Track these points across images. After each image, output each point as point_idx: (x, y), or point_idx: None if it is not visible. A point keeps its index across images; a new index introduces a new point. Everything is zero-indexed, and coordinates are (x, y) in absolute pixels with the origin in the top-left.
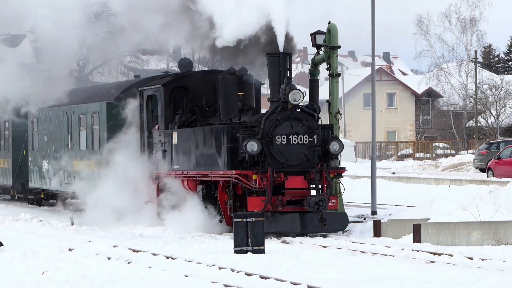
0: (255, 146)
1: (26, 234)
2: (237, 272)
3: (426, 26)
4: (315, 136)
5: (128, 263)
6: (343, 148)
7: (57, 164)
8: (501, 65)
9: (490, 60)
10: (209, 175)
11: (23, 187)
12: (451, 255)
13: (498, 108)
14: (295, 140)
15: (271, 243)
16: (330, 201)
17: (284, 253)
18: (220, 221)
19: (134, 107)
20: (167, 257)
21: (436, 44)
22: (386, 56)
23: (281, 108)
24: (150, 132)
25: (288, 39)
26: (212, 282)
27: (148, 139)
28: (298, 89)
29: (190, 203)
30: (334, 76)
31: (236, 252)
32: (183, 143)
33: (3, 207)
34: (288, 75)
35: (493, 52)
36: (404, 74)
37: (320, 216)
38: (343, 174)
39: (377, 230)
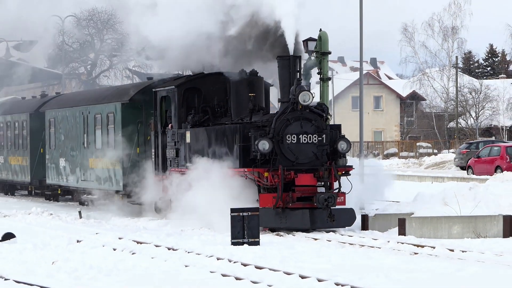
0: (267, 145)
1: (37, 227)
2: (234, 262)
3: (411, 34)
4: (324, 136)
5: (132, 254)
6: (350, 147)
7: (74, 162)
8: (480, 70)
9: (470, 66)
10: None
11: (40, 183)
12: (434, 247)
13: (477, 110)
14: (304, 139)
15: (265, 236)
16: (338, 197)
17: (278, 245)
18: None
19: (149, 107)
20: (169, 249)
21: (420, 51)
22: (373, 62)
23: (291, 108)
24: (163, 131)
25: (298, 42)
26: (211, 272)
27: (161, 138)
28: (307, 91)
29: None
30: (324, 80)
31: (233, 244)
32: (196, 141)
33: (17, 202)
34: (298, 77)
35: (473, 58)
36: (390, 78)
37: (329, 212)
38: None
39: (365, 224)
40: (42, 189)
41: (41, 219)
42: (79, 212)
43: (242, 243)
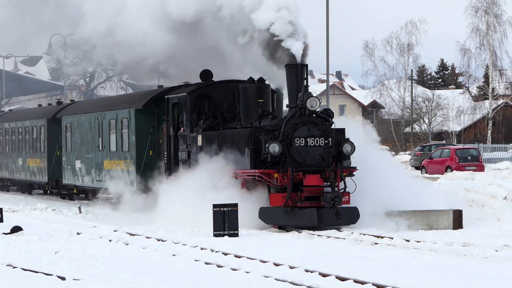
0: (277, 147)
1: (41, 221)
2: (216, 252)
3: (371, 50)
4: (330, 139)
5: (126, 244)
6: (355, 149)
7: (89, 164)
8: (432, 81)
9: (423, 78)
10: (233, 173)
11: (56, 183)
12: (392, 238)
13: (430, 117)
14: (312, 142)
15: (244, 229)
16: (344, 197)
17: (254, 237)
18: None
19: (161, 113)
20: (158, 240)
21: (380, 65)
22: (339, 74)
23: (299, 113)
24: (175, 135)
25: (305, 51)
26: (195, 260)
27: (173, 141)
28: (315, 97)
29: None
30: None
31: (215, 235)
32: (207, 145)
33: (34, 199)
34: (305, 84)
35: (426, 71)
36: (353, 89)
37: (335, 210)
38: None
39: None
40: (58, 188)
41: (45, 214)
42: (79, 207)
43: (223, 235)
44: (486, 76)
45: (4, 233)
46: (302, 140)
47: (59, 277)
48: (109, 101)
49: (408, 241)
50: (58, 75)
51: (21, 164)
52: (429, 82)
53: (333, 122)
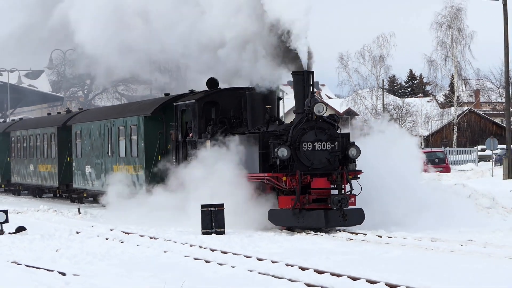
0: (285, 152)
1: (44, 221)
2: (204, 248)
3: (346, 62)
4: (336, 143)
5: (121, 242)
6: (360, 153)
7: (99, 169)
8: (402, 90)
9: (394, 87)
10: (242, 177)
11: (67, 187)
12: (365, 234)
13: (400, 123)
14: (319, 147)
15: (229, 226)
16: (350, 199)
17: (239, 234)
18: None
19: (168, 119)
20: (151, 238)
21: (354, 75)
22: (316, 84)
23: (306, 118)
24: (184, 140)
25: (311, 59)
26: (185, 256)
27: (182, 147)
28: (321, 102)
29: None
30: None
31: (203, 233)
32: (215, 150)
33: (45, 202)
34: (311, 90)
35: (396, 81)
36: (329, 98)
37: (342, 212)
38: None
39: None
40: (68, 192)
41: (47, 215)
42: (78, 209)
43: (211, 233)
44: (451, 85)
45: (9, 233)
46: (309, 145)
47: (60, 272)
48: (118, 109)
49: (381, 236)
50: (58, 87)
51: (32, 169)
52: (399, 91)
53: (339, 127)
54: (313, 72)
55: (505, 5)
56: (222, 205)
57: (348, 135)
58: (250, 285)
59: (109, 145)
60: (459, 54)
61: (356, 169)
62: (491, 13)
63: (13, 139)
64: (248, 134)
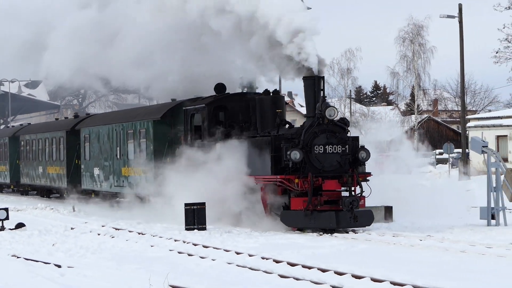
0: (298, 154)
1: (41, 218)
2: (187, 243)
3: None
4: (347, 146)
5: (112, 237)
6: (370, 156)
7: (107, 171)
8: (367, 100)
9: (360, 97)
10: (253, 179)
11: (75, 188)
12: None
13: (366, 129)
14: (330, 150)
15: (210, 223)
16: (360, 201)
17: (219, 230)
18: None
19: (176, 123)
20: (139, 233)
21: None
22: (290, 94)
23: (318, 122)
24: (192, 143)
25: (321, 64)
26: (170, 250)
27: (191, 149)
28: (333, 106)
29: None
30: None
31: (186, 229)
32: (225, 152)
33: (32, 200)
34: (322, 94)
35: (362, 91)
36: (301, 106)
37: (353, 213)
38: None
39: None
40: (76, 193)
41: (44, 212)
42: (73, 207)
43: (193, 229)
44: (412, 95)
45: (10, 229)
46: (321, 148)
47: (55, 265)
48: (126, 114)
49: (347, 232)
50: (55, 96)
51: (41, 171)
52: (365, 100)
53: (349, 131)
54: (323, 77)
55: (461, 22)
56: (203, 204)
57: (357, 138)
58: (229, 277)
59: (118, 148)
60: (420, 67)
61: (366, 171)
62: (449, 30)
63: (22, 142)
64: (259, 137)
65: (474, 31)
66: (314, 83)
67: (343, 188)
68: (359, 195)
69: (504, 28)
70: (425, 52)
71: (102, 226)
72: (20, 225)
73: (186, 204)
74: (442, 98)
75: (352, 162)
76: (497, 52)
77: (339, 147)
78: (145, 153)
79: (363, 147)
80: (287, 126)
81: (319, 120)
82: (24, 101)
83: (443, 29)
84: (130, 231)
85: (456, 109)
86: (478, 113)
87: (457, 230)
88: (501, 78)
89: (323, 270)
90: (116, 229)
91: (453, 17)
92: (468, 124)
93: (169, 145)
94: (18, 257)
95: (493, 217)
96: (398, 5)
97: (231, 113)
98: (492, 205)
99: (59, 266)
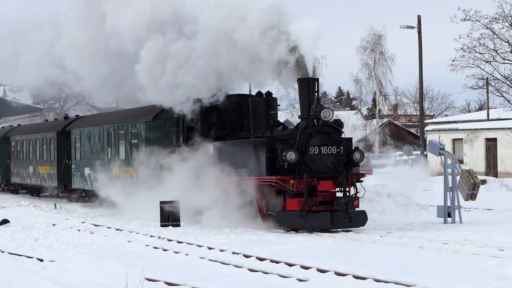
0: (293, 155)
1: (25, 215)
2: (162, 239)
3: None
4: (341, 147)
5: (91, 233)
6: (364, 157)
7: (98, 170)
8: (332, 104)
9: (325, 102)
10: (248, 179)
11: (65, 187)
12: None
13: None
14: (325, 151)
15: (184, 220)
16: (354, 201)
17: (192, 227)
18: None
19: (168, 124)
20: (117, 229)
21: (291, 91)
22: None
23: (313, 123)
24: (185, 144)
25: (315, 66)
26: (146, 245)
27: (184, 150)
28: (328, 108)
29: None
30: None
31: (162, 225)
32: (219, 153)
33: (16, 198)
34: (316, 96)
35: (327, 96)
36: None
37: (347, 214)
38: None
39: None
40: (66, 192)
41: (27, 210)
42: (55, 204)
43: (168, 225)
44: (374, 100)
45: None
46: (316, 149)
47: (38, 259)
48: (116, 115)
49: (313, 230)
50: (38, 100)
51: (31, 171)
52: (330, 105)
53: (343, 132)
54: (318, 79)
55: (419, 32)
56: (177, 202)
57: (350, 139)
58: (201, 271)
59: (109, 148)
60: (381, 74)
61: (359, 172)
62: (408, 39)
63: (13, 143)
64: (254, 138)
65: (432, 41)
66: (308, 85)
67: (337, 189)
68: (354, 195)
69: (460, 38)
70: (385, 60)
71: (82, 222)
72: (4, 222)
73: (161, 202)
74: (402, 103)
75: (346, 163)
76: (453, 61)
77: (334, 148)
78: (137, 153)
79: (357, 148)
80: (280, 127)
81: (314, 121)
82: (8, 104)
83: (403, 38)
84: (108, 227)
85: (415, 113)
86: (436, 118)
87: (415, 227)
88: (457, 85)
89: (290, 265)
90: (95, 225)
91: (412, 27)
92: (426, 128)
93: (160, 146)
94: (2, 252)
95: (449, 215)
96: (360, 16)
97: (223, 114)
98: (449, 204)
99: (41, 260)
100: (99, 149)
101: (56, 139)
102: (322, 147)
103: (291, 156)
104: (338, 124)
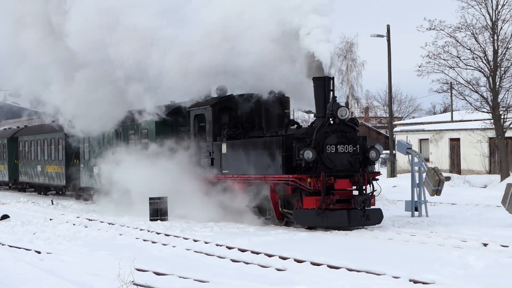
0: (311, 154)
1: (24, 210)
2: (151, 232)
3: None
4: (358, 146)
5: (85, 227)
6: (380, 155)
7: (106, 170)
8: (308, 109)
9: None
10: (262, 178)
11: (73, 186)
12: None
13: None
14: (341, 149)
15: (171, 215)
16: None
17: (179, 221)
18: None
19: (177, 124)
20: (109, 223)
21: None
22: None
23: (329, 122)
24: (197, 143)
25: (331, 66)
26: (136, 238)
27: (195, 149)
28: (345, 106)
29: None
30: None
31: (151, 220)
32: (232, 152)
33: (17, 195)
34: (332, 95)
35: None
36: None
37: (364, 212)
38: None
39: None
40: (74, 190)
41: (26, 205)
42: (51, 200)
43: (157, 219)
44: (347, 104)
45: None
46: (332, 147)
47: (36, 251)
48: (127, 115)
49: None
50: (35, 104)
51: (39, 170)
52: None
53: (359, 130)
54: (333, 77)
55: (389, 41)
56: (165, 198)
57: (365, 138)
58: (187, 261)
59: (118, 148)
60: (353, 79)
61: (375, 170)
62: (378, 47)
63: (21, 143)
64: (269, 137)
65: (400, 48)
66: (324, 84)
67: (354, 187)
68: (370, 194)
69: (426, 45)
70: (357, 66)
71: (77, 217)
72: (5, 217)
73: (150, 199)
74: (373, 106)
75: (362, 162)
76: (420, 67)
77: (350, 147)
78: (147, 152)
79: (373, 146)
80: (295, 126)
81: (330, 120)
82: (8, 108)
83: (373, 46)
84: (101, 222)
85: (385, 116)
86: (404, 120)
87: (385, 220)
88: (423, 89)
89: (269, 255)
90: (89, 220)
91: (382, 36)
92: (395, 129)
93: (172, 145)
94: (3, 245)
95: (416, 209)
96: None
97: (235, 114)
98: (416, 199)
99: (39, 252)
100: (108, 149)
101: (64, 140)
102: (338, 146)
103: (308, 154)
104: (354, 122)
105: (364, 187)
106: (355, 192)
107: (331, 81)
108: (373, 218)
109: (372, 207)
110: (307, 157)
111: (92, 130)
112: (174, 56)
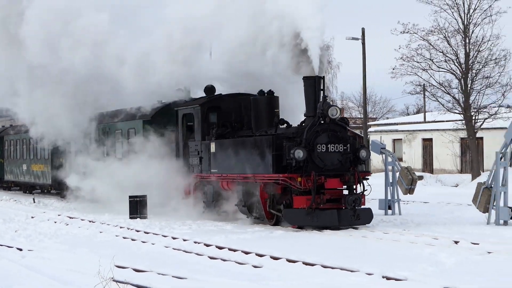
0: (301, 153)
1: (5, 208)
2: (131, 229)
3: None
4: (348, 145)
5: (66, 224)
6: (370, 155)
7: (99, 168)
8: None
9: None
10: (252, 177)
11: (59, 184)
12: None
13: None
14: (332, 148)
15: (151, 213)
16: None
17: (158, 218)
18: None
19: (166, 123)
20: (90, 221)
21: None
22: None
23: (319, 121)
24: (185, 143)
25: (321, 64)
26: (116, 236)
27: (183, 148)
28: (335, 106)
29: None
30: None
31: (130, 218)
32: (221, 151)
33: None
34: (322, 94)
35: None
36: None
37: (355, 212)
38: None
39: None
40: (60, 189)
41: (8, 203)
42: (33, 199)
43: (136, 217)
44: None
45: None
46: (323, 146)
47: (17, 248)
48: (116, 114)
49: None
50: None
51: (25, 169)
52: None
53: (349, 129)
54: (323, 76)
55: (363, 43)
56: (145, 196)
57: (355, 137)
58: (166, 258)
59: (105, 147)
60: (328, 81)
61: (366, 170)
62: (353, 50)
63: (6, 142)
64: (259, 136)
65: (374, 51)
66: (314, 83)
67: (344, 187)
68: (361, 193)
69: (399, 48)
70: (332, 68)
71: (58, 215)
72: None
73: (130, 197)
74: (348, 107)
75: (352, 161)
76: (393, 69)
77: (341, 146)
78: (134, 152)
79: (363, 146)
80: (285, 125)
81: (320, 119)
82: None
83: (348, 49)
84: (82, 220)
85: (359, 116)
86: (378, 120)
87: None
88: (397, 91)
89: (246, 253)
90: (70, 217)
91: (357, 39)
92: (369, 130)
93: (159, 144)
94: None
95: (389, 208)
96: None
97: (224, 113)
98: (389, 197)
99: (20, 250)
100: (95, 148)
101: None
102: (329, 145)
103: (299, 154)
104: (344, 122)
105: (354, 187)
106: (346, 192)
107: (321, 80)
108: (363, 217)
109: (362, 206)
110: (297, 156)
111: (65, 136)
112: (131, 67)
